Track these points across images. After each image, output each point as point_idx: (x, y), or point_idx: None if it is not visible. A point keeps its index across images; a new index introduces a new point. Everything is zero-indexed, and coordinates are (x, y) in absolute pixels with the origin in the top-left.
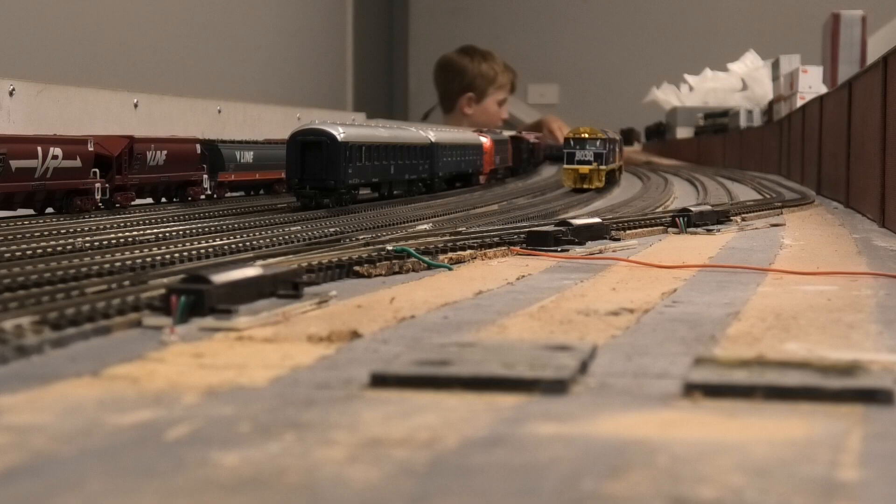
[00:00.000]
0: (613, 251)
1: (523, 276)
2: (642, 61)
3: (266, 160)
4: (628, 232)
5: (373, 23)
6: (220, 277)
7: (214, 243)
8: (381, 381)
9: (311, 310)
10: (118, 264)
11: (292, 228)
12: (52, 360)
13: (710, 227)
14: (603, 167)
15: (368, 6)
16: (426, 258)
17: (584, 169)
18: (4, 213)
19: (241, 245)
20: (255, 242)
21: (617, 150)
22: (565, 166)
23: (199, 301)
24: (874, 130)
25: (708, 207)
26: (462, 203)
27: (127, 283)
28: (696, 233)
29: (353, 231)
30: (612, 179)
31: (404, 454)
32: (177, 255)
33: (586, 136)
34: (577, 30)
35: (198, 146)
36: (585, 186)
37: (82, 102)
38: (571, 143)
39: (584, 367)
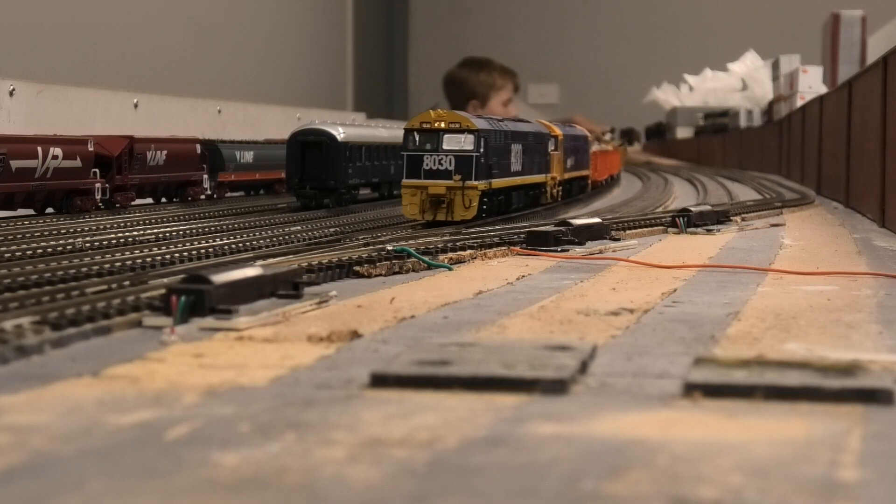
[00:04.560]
0: (613, 251)
1: (523, 276)
2: (642, 61)
3: (266, 160)
4: (628, 232)
5: (373, 23)
6: (220, 277)
7: (214, 243)
8: (381, 381)
9: (311, 310)
10: (118, 264)
11: (292, 228)
12: (52, 360)
13: (710, 227)
14: (477, 183)
15: (368, 6)
16: (426, 258)
17: (438, 187)
18: (4, 213)
19: (241, 245)
20: (255, 242)
21: (568, 150)
22: (405, 181)
23: (199, 301)
24: (874, 130)
25: (708, 207)
26: None
27: (127, 283)
28: (696, 233)
29: (353, 231)
30: (565, 194)
31: (404, 454)
32: (177, 255)
33: (442, 125)
34: (577, 30)
35: (198, 146)
36: (441, 218)
37: (82, 102)
38: (415, 137)
39: (584, 367)
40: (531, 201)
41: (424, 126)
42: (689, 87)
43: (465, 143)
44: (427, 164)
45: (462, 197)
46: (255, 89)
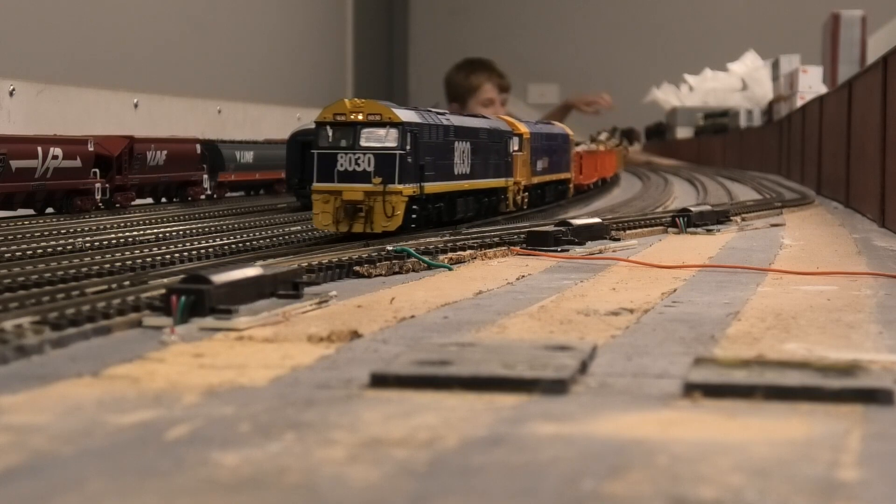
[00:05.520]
0: (613, 251)
1: (523, 276)
2: (642, 61)
3: (266, 160)
4: (628, 232)
5: (373, 23)
6: (220, 277)
7: (214, 243)
8: (381, 381)
9: (311, 310)
10: (118, 264)
11: (292, 228)
12: (52, 360)
13: (710, 227)
14: (402, 187)
15: (368, 6)
16: (426, 258)
17: (355, 192)
18: (4, 213)
19: (241, 245)
20: (255, 242)
21: (538, 150)
22: (316, 185)
23: (199, 301)
24: (874, 130)
25: (708, 207)
26: None
27: (127, 283)
28: (696, 233)
29: None
30: (534, 202)
31: (404, 454)
32: (177, 255)
33: (359, 117)
34: (577, 30)
35: (198, 146)
36: (358, 230)
37: (82, 102)
38: (327, 132)
39: (584, 367)
40: (487, 209)
41: (338, 118)
42: (689, 87)
43: (388, 138)
44: (341, 165)
45: (383, 204)
46: (255, 89)
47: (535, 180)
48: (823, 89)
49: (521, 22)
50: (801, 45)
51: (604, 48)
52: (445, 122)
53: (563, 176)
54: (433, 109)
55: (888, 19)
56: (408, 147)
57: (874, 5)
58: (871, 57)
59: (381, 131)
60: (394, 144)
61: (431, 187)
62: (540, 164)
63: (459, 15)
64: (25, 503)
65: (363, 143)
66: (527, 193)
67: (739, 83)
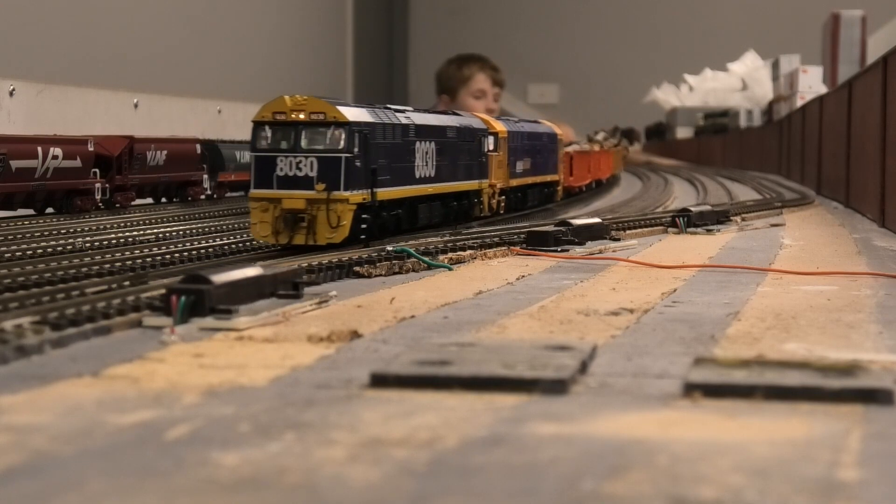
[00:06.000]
0: (613, 251)
1: (523, 276)
2: (642, 61)
3: None
4: (628, 232)
5: (373, 23)
6: (220, 277)
7: (214, 243)
8: (381, 381)
9: (311, 310)
10: (118, 264)
11: None
12: (52, 360)
13: (710, 227)
14: (349, 194)
15: (368, 6)
16: (426, 258)
17: (296, 200)
18: (4, 213)
19: (241, 245)
20: (255, 242)
21: (518, 150)
22: (253, 192)
23: (199, 301)
24: (874, 130)
25: (708, 207)
26: None
27: (127, 283)
28: (696, 233)
29: None
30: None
31: (404, 454)
32: (177, 255)
33: (300, 116)
34: (577, 30)
35: (198, 146)
36: (300, 242)
37: (82, 102)
38: (265, 133)
39: (584, 367)
40: (458, 214)
41: (278, 118)
42: (689, 87)
43: (332, 140)
44: (281, 170)
45: (327, 213)
46: (255, 89)
47: (515, 183)
48: (823, 89)
49: (520, 22)
50: (801, 45)
51: (604, 48)
52: (404, 121)
53: (550, 178)
54: (392, 106)
55: (888, 19)
56: (356, 149)
57: (874, 5)
58: (871, 57)
59: (326, 132)
60: (339, 147)
61: (386, 193)
62: (520, 166)
63: (459, 15)
64: (25, 503)
65: (305, 145)
66: (504, 197)
67: (739, 83)
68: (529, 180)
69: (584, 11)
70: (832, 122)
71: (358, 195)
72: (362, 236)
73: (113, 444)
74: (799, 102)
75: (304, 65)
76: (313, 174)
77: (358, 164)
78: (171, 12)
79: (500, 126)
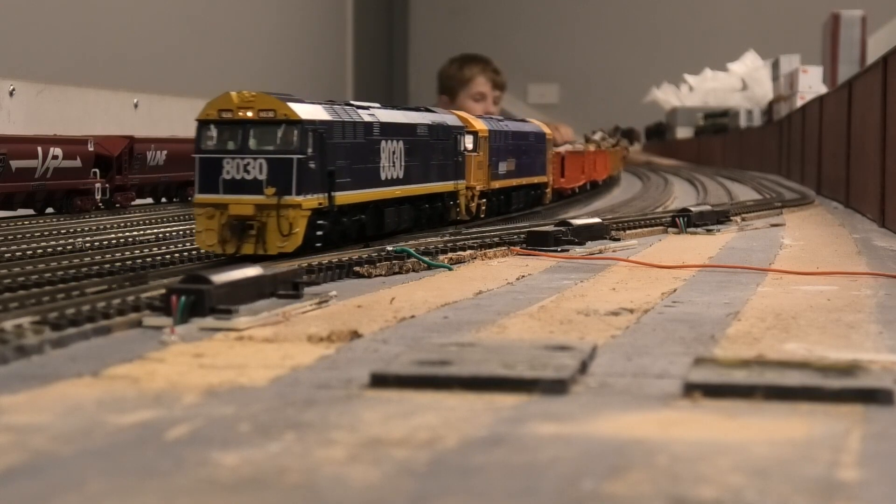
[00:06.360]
0: (613, 251)
1: (523, 276)
2: (642, 61)
3: None
4: (628, 232)
5: (373, 23)
6: (220, 277)
7: None
8: (381, 381)
9: (311, 310)
10: (118, 264)
11: None
12: (52, 360)
13: (710, 227)
14: (302, 199)
15: (368, 6)
16: (426, 258)
17: (244, 205)
18: (4, 213)
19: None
20: None
21: (501, 151)
22: (198, 197)
23: (199, 301)
24: (874, 130)
25: (708, 207)
26: None
27: (127, 283)
28: (696, 233)
29: None
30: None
31: (404, 454)
32: (177, 255)
33: (248, 114)
34: (577, 30)
35: None
36: (248, 252)
37: (82, 102)
38: (211, 132)
39: (584, 367)
40: (431, 218)
41: (224, 115)
42: (689, 87)
43: (283, 140)
44: (228, 172)
45: (278, 220)
46: (254, 89)
47: (497, 185)
48: (823, 89)
49: (521, 22)
50: (801, 45)
51: (604, 48)
52: (367, 118)
53: (538, 179)
54: (354, 103)
55: (888, 19)
56: (309, 150)
57: (874, 5)
58: (871, 57)
59: (276, 131)
60: (291, 147)
61: (346, 197)
62: (503, 167)
63: (459, 15)
64: (25, 503)
65: (253, 145)
66: (484, 200)
67: (739, 83)
68: (514, 182)
69: (584, 11)
70: (832, 122)
71: (312, 200)
72: (318, 244)
73: (113, 444)
74: (799, 102)
75: (304, 65)
76: (262, 177)
77: (312, 165)
78: (171, 12)
79: (479, 124)
